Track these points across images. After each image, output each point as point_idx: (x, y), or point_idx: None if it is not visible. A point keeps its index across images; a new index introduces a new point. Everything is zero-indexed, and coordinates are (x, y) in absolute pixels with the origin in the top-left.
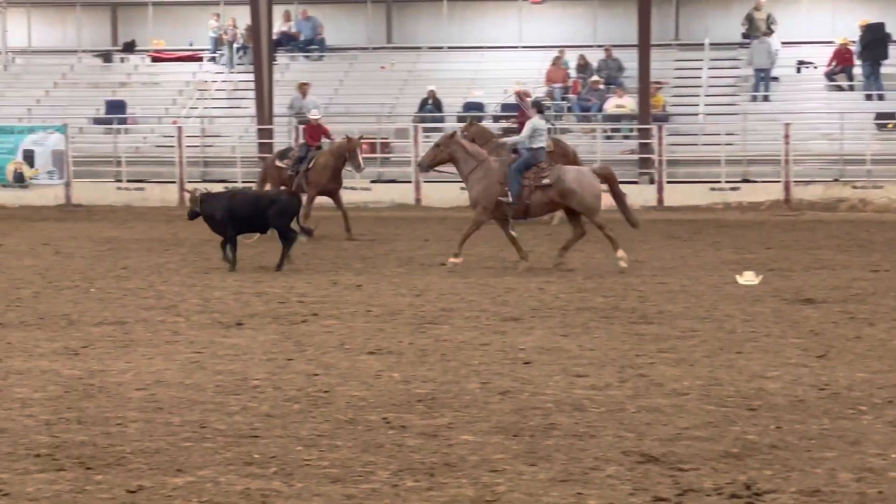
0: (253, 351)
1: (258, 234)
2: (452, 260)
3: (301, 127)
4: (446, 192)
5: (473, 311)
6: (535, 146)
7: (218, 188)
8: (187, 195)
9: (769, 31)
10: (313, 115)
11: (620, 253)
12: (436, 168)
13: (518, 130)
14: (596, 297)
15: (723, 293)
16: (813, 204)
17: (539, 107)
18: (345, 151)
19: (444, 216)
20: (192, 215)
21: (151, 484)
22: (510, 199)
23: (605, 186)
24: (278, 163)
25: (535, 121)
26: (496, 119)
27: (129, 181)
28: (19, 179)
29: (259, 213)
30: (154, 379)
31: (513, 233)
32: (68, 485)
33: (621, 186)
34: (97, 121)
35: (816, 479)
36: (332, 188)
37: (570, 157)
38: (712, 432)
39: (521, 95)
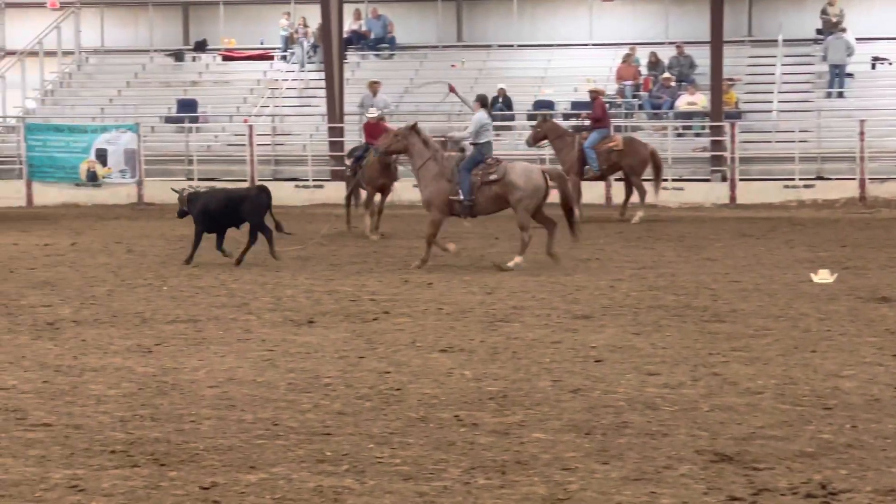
0: (324, 349)
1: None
2: (416, 265)
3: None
4: None
5: (544, 309)
6: (480, 141)
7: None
8: (176, 195)
9: (839, 27)
10: (371, 113)
11: (518, 259)
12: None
13: (592, 128)
14: (668, 295)
15: (797, 291)
16: (888, 201)
17: (483, 101)
18: None
19: (514, 215)
20: (181, 214)
21: (225, 481)
22: (461, 198)
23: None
24: (346, 161)
25: (480, 116)
26: (566, 117)
27: (200, 180)
28: (92, 178)
29: (231, 210)
30: (226, 376)
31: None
32: (142, 481)
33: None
34: (169, 119)
35: (892, 479)
36: (382, 184)
37: (645, 156)
38: (787, 431)
39: (595, 94)
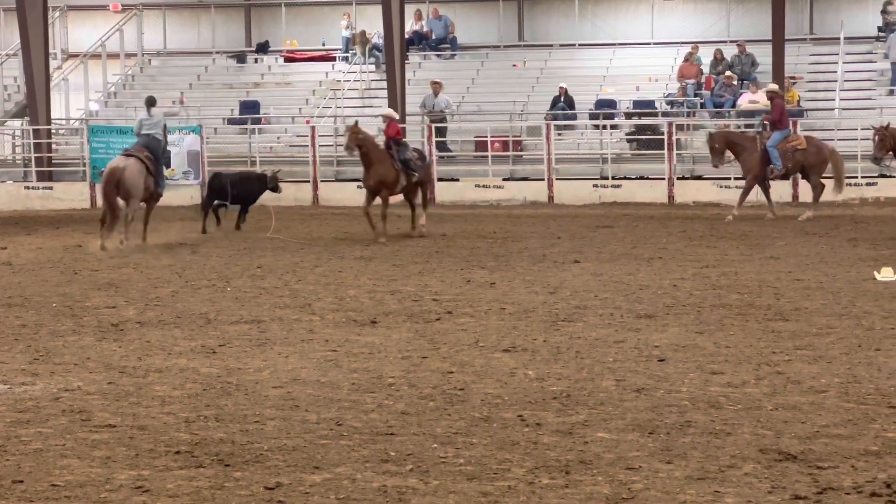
0: (387, 349)
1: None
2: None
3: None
4: (580, 190)
5: (607, 309)
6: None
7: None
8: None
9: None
10: (388, 113)
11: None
12: None
13: (774, 126)
14: (731, 294)
15: (860, 289)
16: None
17: (150, 101)
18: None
19: (576, 214)
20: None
21: (289, 481)
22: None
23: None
24: None
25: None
26: (628, 116)
27: None
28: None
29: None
30: (290, 377)
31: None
32: (207, 481)
33: None
34: (231, 121)
35: None
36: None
37: (826, 155)
38: (851, 430)
39: (772, 94)
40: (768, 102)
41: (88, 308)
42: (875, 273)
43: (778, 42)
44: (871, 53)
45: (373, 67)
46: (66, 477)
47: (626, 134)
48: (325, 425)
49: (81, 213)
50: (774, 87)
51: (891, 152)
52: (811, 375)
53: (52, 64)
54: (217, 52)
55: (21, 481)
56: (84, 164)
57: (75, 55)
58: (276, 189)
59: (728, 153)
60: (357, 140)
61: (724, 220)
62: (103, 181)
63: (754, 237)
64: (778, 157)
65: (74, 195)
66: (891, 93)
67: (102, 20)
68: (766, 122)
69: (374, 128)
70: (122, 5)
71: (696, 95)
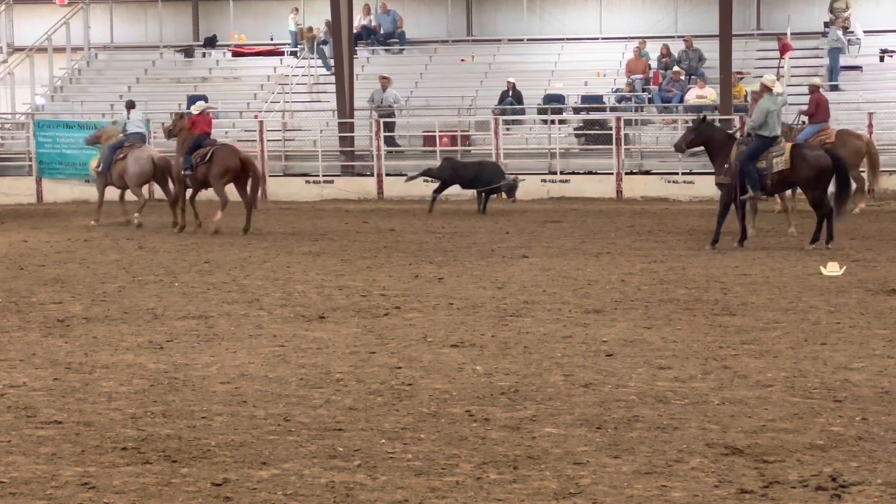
0: (336, 344)
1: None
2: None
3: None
4: (528, 185)
5: (555, 304)
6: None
7: None
8: None
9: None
10: (199, 106)
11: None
12: None
13: (813, 119)
14: (678, 288)
15: (807, 284)
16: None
17: (130, 104)
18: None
19: (524, 209)
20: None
21: (236, 477)
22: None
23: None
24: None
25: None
26: (576, 111)
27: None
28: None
29: None
30: (238, 372)
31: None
32: (154, 478)
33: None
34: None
35: None
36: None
37: (859, 147)
38: (797, 424)
39: (814, 88)
40: (717, 98)
41: (34, 304)
42: (821, 268)
43: (725, 37)
44: (818, 49)
45: (320, 62)
46: (12, 474)
47: (575, 129)
48: (272, 421)
49: (27, 208)
50: (817, 80)
51: (698, 146)
52: (758, 370)
53: None
54: (164, 47)
55: None
56: (30, 159)
57: (21, 49)
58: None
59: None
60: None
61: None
62: (152, 173)
63: (701, 232)
64: None
65: (20, 190)
66: (834, 87)
67: (49, 13)
68: (803, 116)
69: (322, 122)
70: None
71: (643, 91)
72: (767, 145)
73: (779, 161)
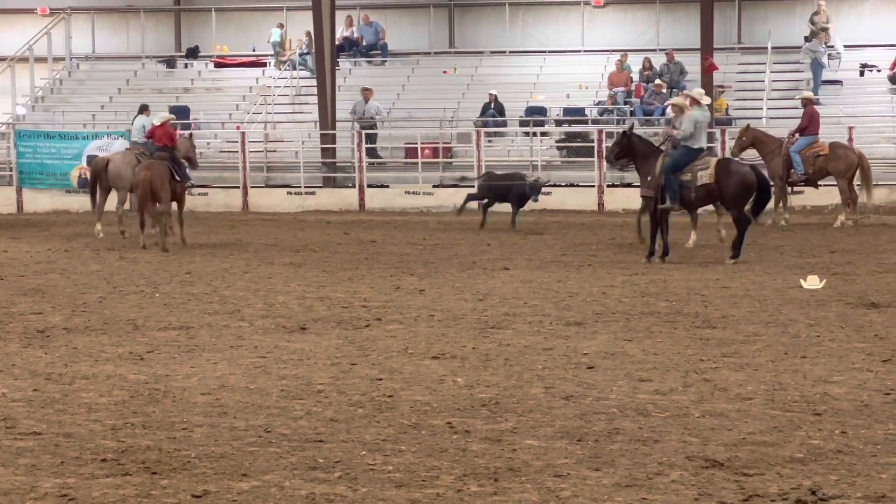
0: (316, 355)
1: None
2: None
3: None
4: None
5: (536, 316)
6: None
7: None
8: None
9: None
10: (161, 117)
11: None
12: None
13: (805, 132)
14: (659, 301)
15: (787, 297)
16: (877, 207)
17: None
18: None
19: (506, 220)
20: None
21: (217, 488)
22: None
23: None
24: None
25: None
26: (558, 123)
27: (192, 186)
28: (84, 185)
29: None
30: (219, 384)
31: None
32: (134, 489)
33: None
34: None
35: (882, 485)
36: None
37: (851, 160)
38: (777, 437)
39: (806, 101)
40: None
41: (14, 314)
42: (801, 281)
43: (706, 51)
44: (799, 63)
45: (304, 73)
46: None
47: (556, 141)
48: (253, 432)
49: (7, 218)
50: (808, 94)
51: (626, 158)
52: (738, 383)
53: None
54: (146, 57)
55: None
56: (11, 169)
57: (2, 59)
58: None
59: (753, 150)
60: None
61: (778, 226)
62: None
63: (682, 244)
64: (800, 162)
65: (1, 200)
66: (816, 102)
67: (30, 23)
68: (797, 134)
69: (304, 133)
70: (51, 9)
71: (625, 103)
72: (692, 157)
73: (703, 174)
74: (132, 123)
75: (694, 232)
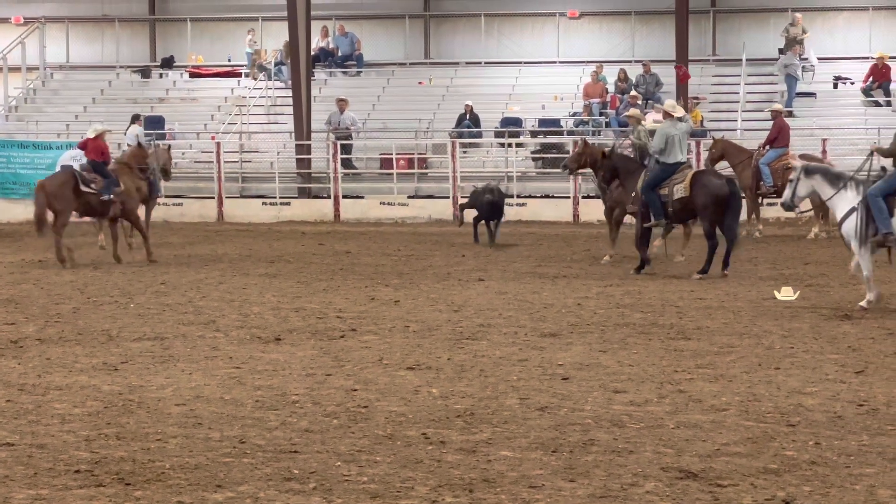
0: (292, 366)
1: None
2: None
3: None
4: None
5: (511, 327)
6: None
7: None
8: None
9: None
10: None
11: None
12: None
13: (775, 144)
14: (634, 313)
15: (761, 309)
16: None
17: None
18: None
19: (480, 231)
20: None
21: (191, 500)
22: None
23: None
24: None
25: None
26: (533, 134)
27: (167, 196)
28: None
29: None
30: (193, 394)
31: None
32: (108, 501)
33: None
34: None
35: (856, 496)
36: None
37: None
38: (751, 448)
39: (775, 113)
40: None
41: None
42: (775, 292)
43: (681, 62)
44: (773, 75)
45: (279, 84)
46: None
47: (532, 152)
48: (228, 443)
49: None
50: (778, 106)
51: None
52: (712, 394)
53: None
54: (121, 67)
55: None
56: None
57: None
58: None
59: (723, 161)
60: None
61: (752, 238)
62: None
63: (656, 257)
64: (769, 174)
65: None
66: (789, 113)
67: (4, 32)
68: (768, 146)
69: (279, 144)
70: (24, 18)
71: (601, 115)
72: (669, 173)
73: (679, 188)
74: (125, 133)
75: (683, 247)
